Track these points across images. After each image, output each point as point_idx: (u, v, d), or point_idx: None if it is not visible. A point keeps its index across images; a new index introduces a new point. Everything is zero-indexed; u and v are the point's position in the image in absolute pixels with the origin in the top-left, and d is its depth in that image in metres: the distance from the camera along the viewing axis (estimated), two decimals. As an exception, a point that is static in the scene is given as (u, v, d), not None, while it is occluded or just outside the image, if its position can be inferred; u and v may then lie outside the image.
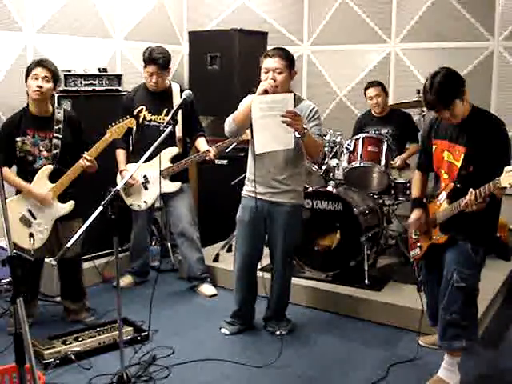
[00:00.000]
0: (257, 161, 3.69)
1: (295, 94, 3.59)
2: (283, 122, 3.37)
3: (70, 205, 4.01)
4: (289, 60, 3.62)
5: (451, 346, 3.28)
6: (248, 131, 3.74)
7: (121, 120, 4.01)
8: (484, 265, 3.34)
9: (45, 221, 3.97)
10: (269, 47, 5.98)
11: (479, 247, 3.23)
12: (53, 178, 3.94)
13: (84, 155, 3.88)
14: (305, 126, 3.49)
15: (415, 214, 3.48)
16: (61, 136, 3.95)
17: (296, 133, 3.46)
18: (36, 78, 3.81)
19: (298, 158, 3.73)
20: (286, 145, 3.51)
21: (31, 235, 3.93)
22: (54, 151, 3.93)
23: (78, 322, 4.17)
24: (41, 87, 3.80)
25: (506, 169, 2.81)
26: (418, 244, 3.54)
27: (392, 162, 4.94)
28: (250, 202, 3.77)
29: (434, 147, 3.39)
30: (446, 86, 3.08)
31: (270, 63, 3.57)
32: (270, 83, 3.51)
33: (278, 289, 4.04)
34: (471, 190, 2.95)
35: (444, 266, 3.28)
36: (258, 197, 3.72)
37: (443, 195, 3.29)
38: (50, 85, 3.86)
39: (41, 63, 3.84)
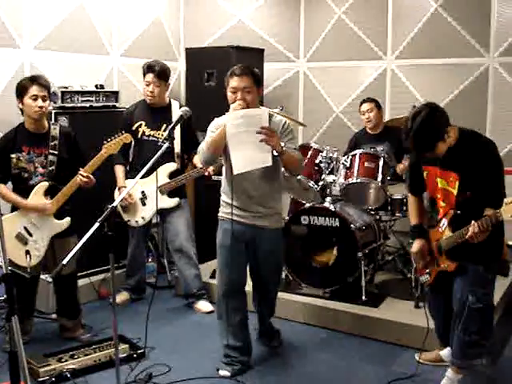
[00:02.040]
0: (233, 182, 3.53)
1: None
2: (260, 140, 3.28)
3: (66, 221, 3.99)
4: (256, 77, 3.52)
5: (472, 365, 3.26)
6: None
7: (116, 136, 4.00)
8: (495, 283, 3.31)
9: (41, 238, 3.94)
10: (266, 64, 6.03)
11: (490, 266, 3.19)
12: (49, 194, 3.92)
13: (80, 171, 3.86)
14: (282, 144, 3.40)
15: (418, 244, 3.41)
16: (56, 152, 3.93)
17: (274, 151, 3.38)
18: (35, 99, 3.79)
19: (273, 174, 3.59)
20: (263, 163, 3.40)
21: (27, 252, 3.90)
22: (50, 168, 3.92)
23: (73, 339, 4.13)
24: (42, 107, 3.81)
25: (506, 200, 2.79)
26: (427, 270, 3.47)
27: (396, 168, 5.00)
28: (229, 225, 3.60)
29: (425, 173, 3.33)
30: (424, 133, 2.98)
31: (237, 82, 3.45)
32: (240, 104, 3.42)
33: (269, 307, 4.00)
34: (473, 222, 2.89)
35: (455, 288, 3.23)
36: (238, 219, 3.60)
37: (444, 222, 3.25)
38: (48, 102, 3.88)
39: (37, 81, 3.81)
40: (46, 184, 3.91)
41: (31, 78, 3.87)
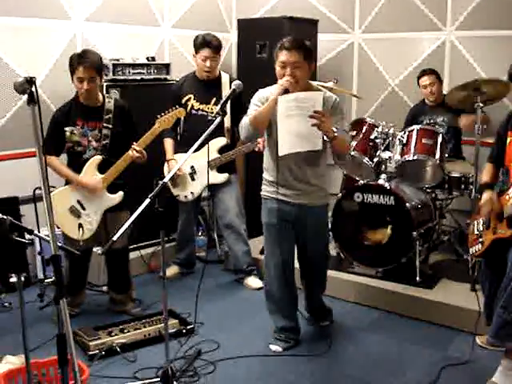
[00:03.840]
0: (276, 160, 3.43)
1: (314, 87, 3.41)
2: (312, 124, 3.17)
3: (119, 195, 3.98)
4: (307, 52, 3.33)
5: (504, 345, 3.14)
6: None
7: (170, 110, 3.93)
8: None
9: (94, 212, 3.95)
10: (320, 35, 5.86)
11: None
12: (102, 168, 3.91)
13: (133, 146, 3.83)
14: (334, 129, 3.29)
15: (486, 195, 3.30)
16: (111, 126, 3.91)
17: (324, 136, 3.28)
18: (81, 81, 3.75)
19: (319, 153, 3.45)
20: (313, 146, 3.30)
21: (80, 226, 3.92)
22: (104, 141, 3.90)
23: (123, 313, 4.15)
24: (88, 89, 3.77)
25: None
26: (480, 240, 3.37)
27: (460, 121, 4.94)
28: (275, 204, 3.54)
29: (508, 139, 3.25)
30: None
31: (287, 57, 3.27)
32: (289, 81, 3.25)
33: (319, 284, 3.93)
34: None
35: (507, 264, 3.11)
36: (283, 198, 3.52)
37: None
38: (96, 81, 3.82)
39: (83, 62, 3.72)
40: (99, 158, 3.90)
41: (79, 56, 3.77)
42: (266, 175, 3.63)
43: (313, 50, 3.47)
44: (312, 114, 3.16)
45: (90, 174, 3.90)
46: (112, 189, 3.96)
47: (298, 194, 3.53)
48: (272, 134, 3.44)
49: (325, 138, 3.31)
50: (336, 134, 3.30)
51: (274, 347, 3.71)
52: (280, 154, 3.33)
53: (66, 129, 3.88)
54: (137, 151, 3.82)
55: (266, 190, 3.63)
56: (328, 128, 3.23)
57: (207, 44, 4.46)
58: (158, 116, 3.91)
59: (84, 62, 3.73)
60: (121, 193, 3.98)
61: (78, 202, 3.95)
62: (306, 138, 3.27)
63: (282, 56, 3.31)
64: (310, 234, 3.66)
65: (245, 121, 3.44)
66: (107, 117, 3.90)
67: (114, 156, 3.90)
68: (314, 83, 3.68)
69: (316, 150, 3.36)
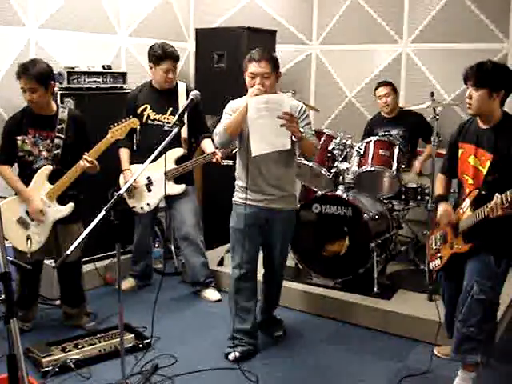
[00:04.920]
0: (248, 165, 3.55)
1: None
2: (281, 125, 3.28)
3: (69, 207, 3.87)
4: (274, 62, 3.52)
5: (465, 360, 3.17)
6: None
7: (123, 120, 3.87)
8: (506, 278, 3.21)
9: (42, 223, 3.84)
10: (278, 46, 5.87)
11: (502, 259, 3.11)
12: (53, 178, 3.81)
13: (84, 156, 3.74)
14: (301, 130, 3.43)
15: (443, 208, 3.33)
16: (63, 136, 3.81)
17: (292, 136, 3.39)
18: (24, 91, 3.68)
19: (289, 158, 3.62)
20: (282, 146, 3.41)
21: (28, 238, 3.80)
22: (55, 151, 3.80)
23: (77, 328, 4.04)
24: (31, 99, 3.69)
25: None
26: (439, 255, 3.41)
27: (410, 170, 4.98)
28: (244, 209, 3.62)
29: (460, 151, 3.29)
30: (496, 68, 3.06)
31: (256, 68, 3.45)
32: (259, 89, 3.41)
33: (275, 292, 4.00)
34: (497, 194, 2.85)
35: (464, 277, 3.16)
36: (254, 204, 3.61)
37: (467, 202, 3.18)
38: (40, 92, 3.69)
39: (23, 73, 3.64)
40: (49, 168, 3.80)
41: (21, 66, 3.68)
42: (238, 182, 3.71)
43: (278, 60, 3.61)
44: (280, 115, 3.27)
45: (40, 184, 3.80)
46: (63, 200, 3.86)
47: (269, 200, 3.61)
48: (243, 141, 3.55)
49: (293, 138, 3.41)
50: (303, 135, 3.43)
51: (231, 355, 3.69)
52: (253, 154, 3.41)
53: (18, 138, 3.78)
54: (88, 161, 3.72)
55: (238, 196, 3.70)
56: (295, 128, 3.35)
57: (170, 56, 4.40)
58: (111, 126, 3.83)
59: (25, 73, 3.65)
60: (71, 204, 3.87)
61: (27, 212, 3.83)
62: (276, 138, 3.38)
63: (252, 67, 3.47)
64: (277, 238, 3.74)
65: (219, 128, 3.55)
66: (60, 126, 3.81)
67: (66, 166, 3.80)
68: (285, 94, 3.82)
69: (285, 151, 3.46)
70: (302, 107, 3.61)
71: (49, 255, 3.96)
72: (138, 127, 4.48)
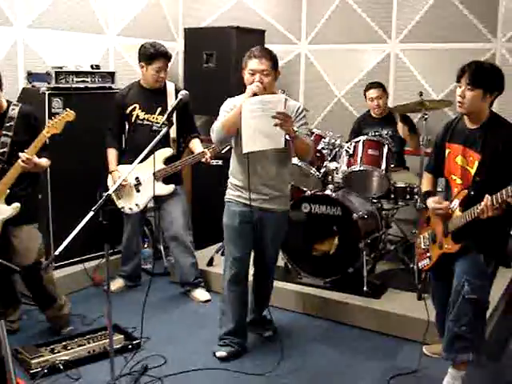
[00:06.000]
0: (243, 164, 3.55)
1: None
2: (274, 124, 3.27)
3: (13, 208, 3.70)
4: (274, 60, 3.53)
5: (457, 359, 3.17)
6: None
7: (59, 114, 3.73)
8: (495, 277, 3.22)
9: None
10: (267, 45, 5.84)
11: (492, 259, 3.13)
12: (1, 178, 3.68)
13: (20, 154, 3.60)
14: (295, 129, 3.41)
15: (433, 199, 3.31)
16: (10, 134, 3.68)
17: (286, 135, 3.38)
18: None
19: (285, 158, 3.62)
20: (275, 144, 3.39)
21: None
22: (1, 150, 3.69)
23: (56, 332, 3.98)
24: None
25: None
26: (428, 254, 3.42)
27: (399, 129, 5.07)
28: (238, 207, 3.65)
29: (447, 151, 3.29)
30: (489, 69, 3.09)
31: (256, 65, 3.46)
32: (257, 86, 3.41)
33: (266, 292, 3.99)
34: (487, 195, 2.85)
35: (454, 277, 3.17)
36: (248, 202, 3.59)
37: (455, 203, 3.18)
38: None
39: None
40: None
41: None
42: (231, 180, 3.70)
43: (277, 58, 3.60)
44: (275, 115, 3.26)
45: None
46: (9, 199, 3.71)
47: (264, 199, 3.61)
48: (239, 139, 3.50)
49: (287, 137, 3.40)
50: (297, 134, 3.41)
51: (218, 353, 3.71)
52: (244, 150, 3.40)
53: None
54: (23, 160, 3.58)
55: (231, 194, 3.70)
56: (289, 127, 3.33)
57: (162, 55, 4.39)
58: (49, 120, 3.70)
59: None
60: (16, 205, 3.70)
61: None
62: (268, 136, 3.36)
63: (252, 64, 3.47)
64: (269, 239, 3.73)
65: (217, 125, 3.53)
66: (8, 124, 3.69)
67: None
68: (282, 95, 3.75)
69: (280, 150, 3.45)
70: (299, 107, 3.61)
71: (4, 256, 3.70)
72: (127, 127, 4.49)
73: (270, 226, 3.69)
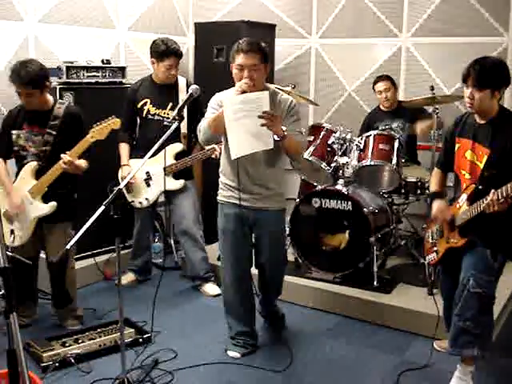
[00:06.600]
0: (233, 164, 3.43)
1: (270, 89, 3.37)
2: (261, 124, 3.14)
3: (50, 206, 3.76)
4: (264, 54, 3.33)
5: (462, 354, 3.16)
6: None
7: (106, 120, 3.72)
8: (502, 272, 3.21)
9: (24, 219, 3.78)
10: (277, 40, 5.86)
11: (498, 253, 3.11)
12: (41, 175, 3.74)
13: (62, 155, 3.62)
14: (284, 128, 3.28)
15: (438, 205, 3.33)
16: (54, 132, 3.74)
17: (275, 136, 3.25)
18: (19, 94, 3.64)
19: (275, 156, 3.46)
20: (264, 145, 3.26)
21: (12, 232, 3.77)
22: (44, 147, 3.74)
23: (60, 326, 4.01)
24: (28, 102, 3.67)
25: None
26: (435, 249, 3.42)
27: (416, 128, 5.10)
28: (232, 209, 3.54)
29: (456, 146, 3.28)
30: (495, 67, 3.06)
31: (244, 60, 3.26)
32: (246, 83, 3.23)
33: (275, 289, 3.90)
34: (493, 190, 2.85)
35: (460, 271, 3.16)
36: (241, 203, 3.49)
37: (463, 197, 3.17)
38: (36, 95, 3.64)
39: (17, 78, 3.55)
40: (34, 164, 3.74)
41: (14, 73, 3.57)
42: (222, 179, 3.60)
43: (268, 50, 3.45)
44: (260, 115, 3.14)
45: (26, 180, 3.76)
46: (47, 198, 3.77)
47: (256, 199, 3.51)
48: (227, 138, 3.40)
49: (275, 137, 3.27)
50: (286, 134, 3.28)
51: (231, 353, 3.67)
52: (233, 157, 3.29)
53: (13, 132, 3.75)
54: (65, 162, 3.62)
55: (223, 195, 3.60)
56: (277, 128, 3.21)
57: (174, 52, 4.38)
58: (93, 126, 3.70)
59: (18, 80, 3.57)
60: (53, 203, 3.76)
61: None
62: (256, 138, 3.23)
63: (240, 59, 3.29)
64: (267, 239, 3.64)
65: (203, 124, 3.41)
66: (53, 123, 3.74)
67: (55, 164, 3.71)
68: (272, 86, 3.67)
69: (272, 150, 3.32)
70: (291, 102, 3.44)
71: (36, 253, 3.92)
72: (138, 122, 4.50)
73: (266, 226, 3.59)
